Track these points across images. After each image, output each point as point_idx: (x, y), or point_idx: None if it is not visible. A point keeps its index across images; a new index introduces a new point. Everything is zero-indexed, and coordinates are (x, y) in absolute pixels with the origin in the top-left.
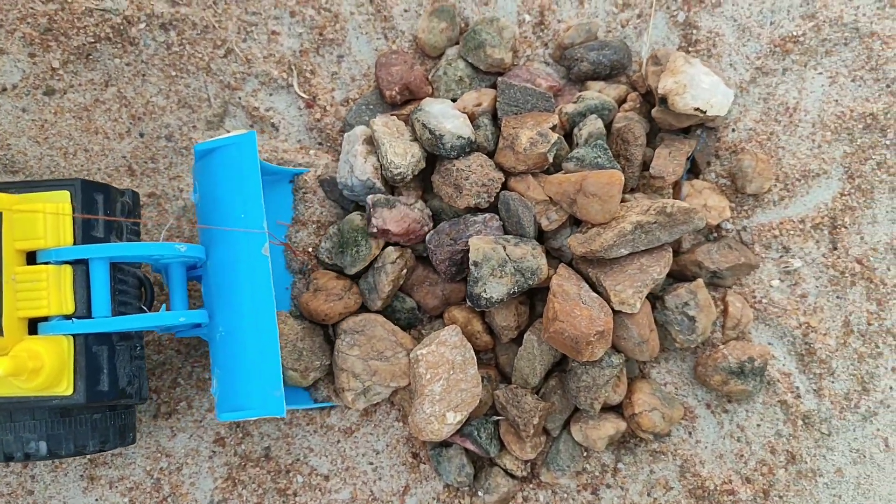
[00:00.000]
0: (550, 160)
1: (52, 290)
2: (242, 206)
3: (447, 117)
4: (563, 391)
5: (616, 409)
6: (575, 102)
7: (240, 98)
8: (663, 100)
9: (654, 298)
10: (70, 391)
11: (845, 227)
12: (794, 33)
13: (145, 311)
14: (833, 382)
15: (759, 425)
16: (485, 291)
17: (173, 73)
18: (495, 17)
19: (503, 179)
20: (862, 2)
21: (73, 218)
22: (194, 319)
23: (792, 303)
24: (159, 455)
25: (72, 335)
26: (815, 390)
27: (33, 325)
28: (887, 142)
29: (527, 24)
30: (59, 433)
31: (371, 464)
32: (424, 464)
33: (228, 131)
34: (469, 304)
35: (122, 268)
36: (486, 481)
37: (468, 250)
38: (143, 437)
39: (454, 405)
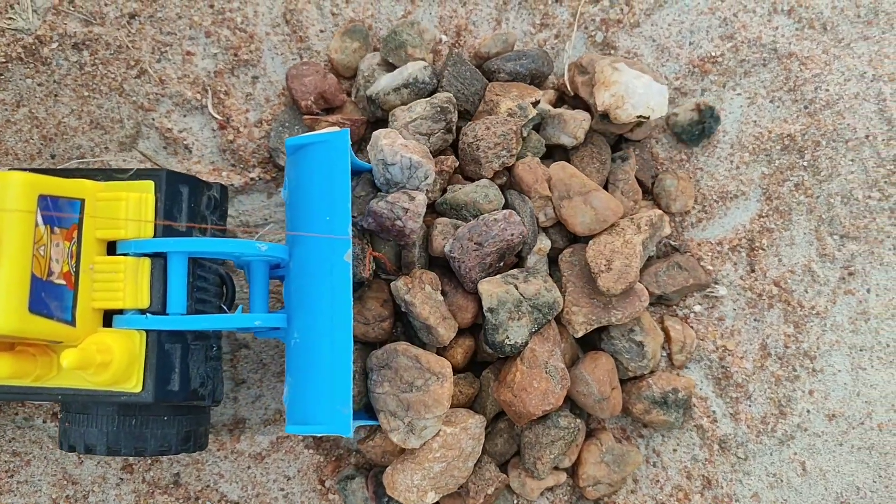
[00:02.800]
0: (524, 135)
1: (129, 283)
2: (329, 208)
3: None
4: (509, 435)
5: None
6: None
7: (153, 119)
8: (604, 115)
9: (598, 331)
10: (139, 388)
11: (763, 249)
12: (713, 54)
13: (224, 311)
14: (750, 406)
15: (675, 450)
16: (507, 338)
17: (86, 94)
18: (416, 21)
19: (515, 128)
20: (780, 23)
21: (156, 209)
22: (271, 324)
23: (709, 326)
24: (65, 483)
25: (144, 330)
26: (731, 414)
27: (109, 318)
28: (804, 163)
29: (444, 45)
30: (122, 432)
31: (282, 490)
32: (333, 494)
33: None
34: (492, 351)
35: (202, 264)
36: None
37: (499, 253)
38: (49, 464)
39: (439, 486)
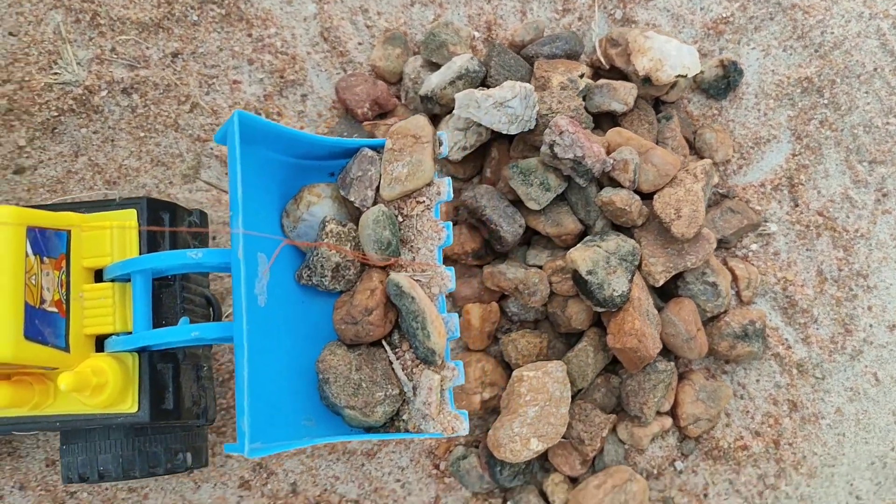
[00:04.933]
0: (582, 102)
1: (118, 308)
2: (232, 201)
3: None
4: (606, 389)
5: None
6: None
7: (212, 148)
8: (646, 79)
9: (674, 279)
10: (135, 409)
11: (802, 185)
12: (724, 15)
13: None
14: (818, 329)
15: (758, 381)
16: (614, 290)
17: (142, 135)
18: (448, 21)
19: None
20: None
21: (140, 235)
22: (210, 334)
23: (767, 261)
24: None
25: (137, 352)
26: (802, 339)
27: (101, 343)
28: (825, 101)
29: (477, 41)
30: (131, 453)
31: (398, 481)
32: (448, 477)
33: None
34: (603, 308)
35: (188, 287)
36: (519, 495)
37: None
38: (166, 494)
39: (540, 434)
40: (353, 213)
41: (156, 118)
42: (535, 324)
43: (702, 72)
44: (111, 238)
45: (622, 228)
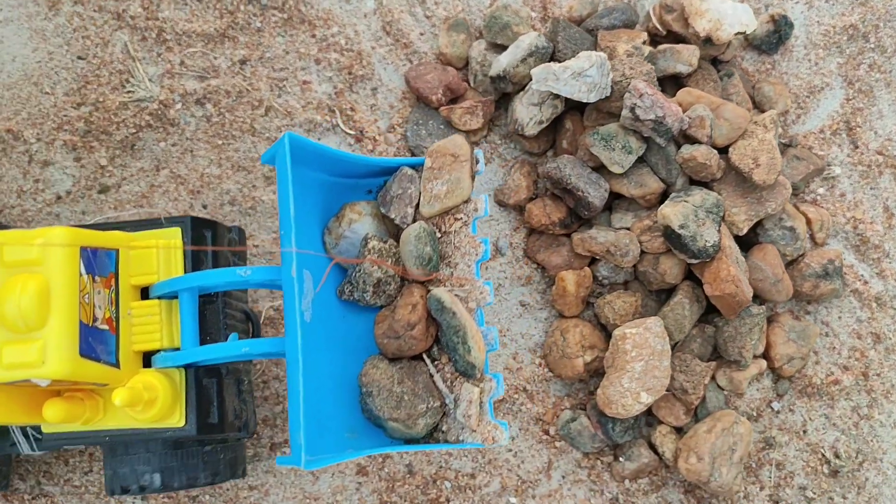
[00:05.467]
0: (652, 67)
1: (164, 324)
2: (283, 221)
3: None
4: (702, 339)
5: None
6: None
7: None
8: (707, 40)
9: (753, 229)
10: (182, 423)
11: (859, 127)
12: None
13: None
14: (891, 262)
15: (840, 318)
16: (706, 241)
17: (220, 142)
18: (507, 3)
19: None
20: None
21: (185, 253)
22: (259, 349)
23: (835, 203)
24: (308, 501)
25: (183, 368)
26: (877, 273)
27: (147, 359)
28: (871, 46)
29: (534, 20)
30: (172, 465)
31: (510, 450)
32: (559, 441)
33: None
34: (697, 260)
35: (229, 303)
36: (630, 449)
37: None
38: (286, 489)
39: (648, 387)
40: (392, 230)
41: (231, 125)
42: (625, 285)
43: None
44: (157, 256)
45: (702, 184)
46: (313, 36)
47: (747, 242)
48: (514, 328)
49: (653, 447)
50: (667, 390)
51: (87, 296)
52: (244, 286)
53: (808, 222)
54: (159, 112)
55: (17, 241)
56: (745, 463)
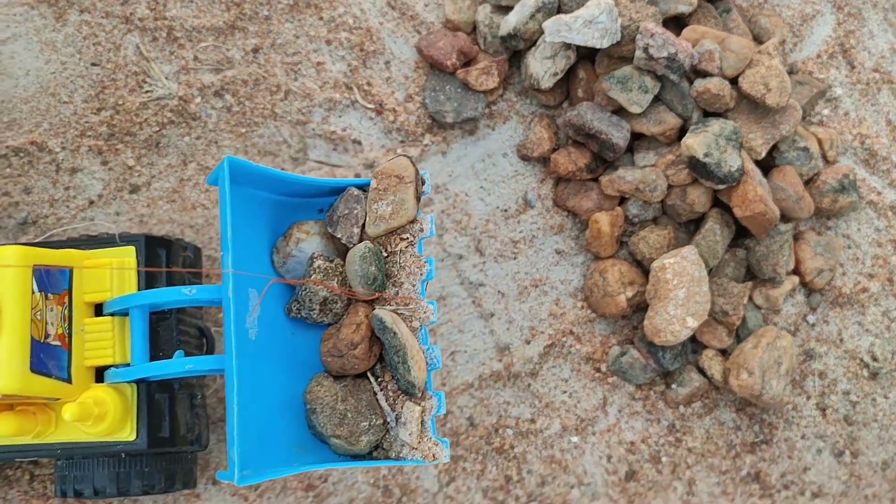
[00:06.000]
0: (657, 9)
1: (117, 340)
2: (223, 241)
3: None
4: (735, 263)
5: None
6: None
7: (313, 129)
8: None
9: (769, 154)
10: (133, 437)
11: (853, 48)
12: None
13: None
14: None
15: (859, 229)
16: (730, 167)
17: (243, 130)
18: None
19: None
20: None
21: (138, 272)
22: (203, 366)
23: (841, 122)
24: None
25: (135, 383)
26: (889, 184)
27: (100, 375)
28: None
29: None
30: (127, 472)
31: (565, 392)
32: (612, 376)
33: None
34: (724, 185)
35: (183, 319)
36: (681, 376)
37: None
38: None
39: (692, 312)
40: (341, 249)
41: (252, 112)
42: (654, 221)
43: None
44: (111, 274)
45: (716, 115)
46: (321, 18)
47: (765, 167)
48: (552, 276)
49: (701, 371)
50: (708, 315)
51: (38, 313)
52: (190, 304)
53: (819, 142)
54: (180, 108)
55: None
56: (790, 375)
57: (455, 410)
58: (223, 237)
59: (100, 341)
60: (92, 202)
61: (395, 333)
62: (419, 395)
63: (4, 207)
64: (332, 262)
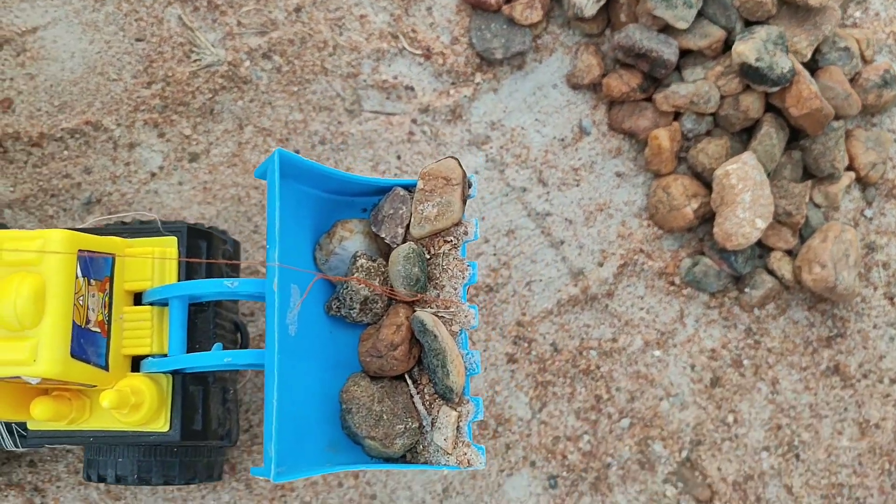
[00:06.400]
0: None
1: (155, 330)
2: (269, 235)
3: None
4: (791, 165)
5: None
6: None
7: (364, 80)
8: None
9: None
10: (167, 428)
11: None
12: None
13: None
14: None
15: None
16: (781, 68)
17: (295, 89)
18: None
19: None
20: None
21: (179, 262)
22: (241, 360)
23: (874, 22)
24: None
25: (170, 374)
26: None
27: (135, 365)
28: None
29: None
30: (150, 462)
31: (642, 308)
32: (686, 287)
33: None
34: (776, 88)
35: (220, 312)
36: (753, 279)
37: None
38: None
39: (759, 214)
40: (383, 249)
41: (303, 70)
42: (708, 134)
43: None
44: (152, 263)
45: (758, 23)
46: None
47: (809, 70)
48: (615, 199)
49: (771, 273)
50: (772, 219)
51: (81, 298)
52: (232, 297)
53: (857, 42)
54: (230, 73)
55: (16, 241)
56: (858, 267)
57: (538, 338)
58: (269, 231)
59: (138, 330)
60: (154, 174)
61: (435, 336)
62: (457, 399)
63: (67, 189)
64: (374, 261)
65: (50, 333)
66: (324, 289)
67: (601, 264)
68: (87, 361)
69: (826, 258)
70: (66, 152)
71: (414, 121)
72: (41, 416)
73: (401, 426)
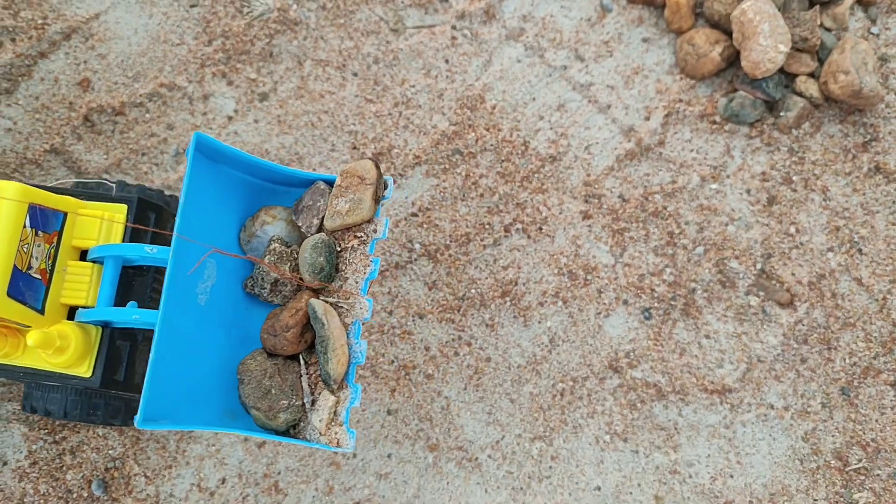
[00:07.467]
0: None
1: (93, 285)
2: (179, 209)
3: None
4: None
5: None
6: None
7: (402, 1)
8: None
9: None
10: (89, 374)
11: None
12: None
13: None
14: None
15: None
16: None
17: (342, 21)
18: None
19: None
20: None
21: (125, 229)
22: (148, 318)
23: None
24: (550, 256)
25: (101, 326)
26: None
27: (72, 315)
28: None
29: None
30: (76, 400)
31: (692, 150)
32: (727, 124)
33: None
34: None
35: (159, 279)
36: (785, 103)
37: None
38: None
39: (780, 40)
40: (302, 238)
41: (345, 3)
42: None
43: None
44: (101, 226)
45: None
46: None
47: None
48: (647, 61)
49: (800, 95)
50: (791, 48)
51: (26, 245)
52: (152, 262)
53: None
54: (281, 18)
55: None
56: (876, 73)
57: (606, 193)
58: (180, 205)
59: (77, 283)
60: (230, 118)
61: (323, 324)
62: (335, 385)
63: (155, 146)
64: (288, 247)
65: None
66: (248, 269)
67: (647, 118)
68: (24, 303)
69: (848, 65)
70: (147, 115)
71: (454, 27)
72: None
73: (285, 402)
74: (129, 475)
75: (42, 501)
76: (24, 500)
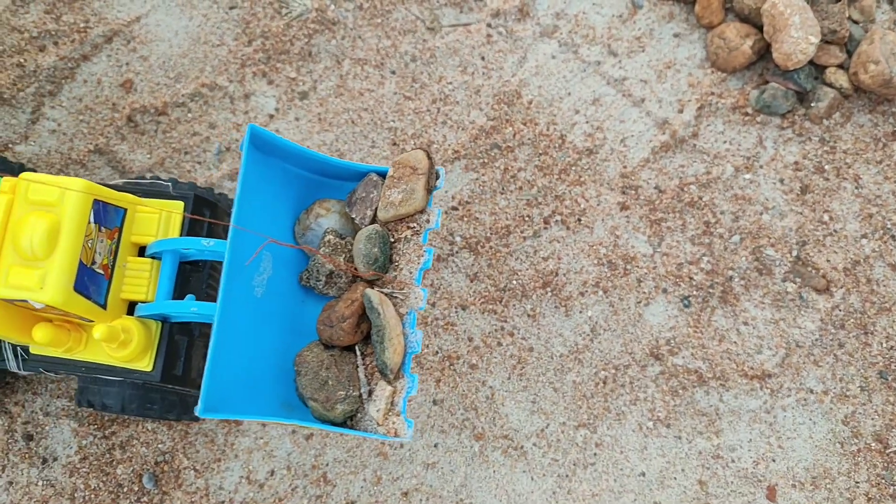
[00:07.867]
0: None
1: (152, 281)
2: (235, 202)
3: None
4: None
5: None
6: None
7: (438, 0)
8: None
9: None
10: (150, 368)
11: None
12: None
13: None
14: None
15: None
16: None
17: (379, 20)
18: None
19: None
20: None
21: (183, 224)
22: (206, 311)
23: None
24: (589, 247)
25: (160, 321)
26: None
27: (132, 310)
28: None
29: None
30: (133, 394)
31: (725, 141)
32: (759, 115)
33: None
34: None
35: (214, 274)
36: (816, 93)
37: None
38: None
39: (811, 32)
40: (356, 230)
41: (382, 3)
42: None
43: None
44: (159, 222)
45: None
46: None
47: None
48: (679, 56)
49: (830, 86)
50: (820, 41)
51: (91, 241)
52: (210, 256)
53: None
54: (319, 18)
55: (42, 183)
56: None
57: (642, 184)
58: (236, 198)
59: (137, 278)
60: (271, 116)
61: (378, 314)
62: (391, 376)
63: (198, 144)
64: (343, 239)
65: (58, 266)
66: (304, 261)
67: (681, 111)
68: (88, 297)
69: (878, 55)
70: (189, 115)
71: (489, 25)
72: (41, 339)
73: (342, 392)
74: (179, 469)
75: (93, 496)
76: (75, 495)
